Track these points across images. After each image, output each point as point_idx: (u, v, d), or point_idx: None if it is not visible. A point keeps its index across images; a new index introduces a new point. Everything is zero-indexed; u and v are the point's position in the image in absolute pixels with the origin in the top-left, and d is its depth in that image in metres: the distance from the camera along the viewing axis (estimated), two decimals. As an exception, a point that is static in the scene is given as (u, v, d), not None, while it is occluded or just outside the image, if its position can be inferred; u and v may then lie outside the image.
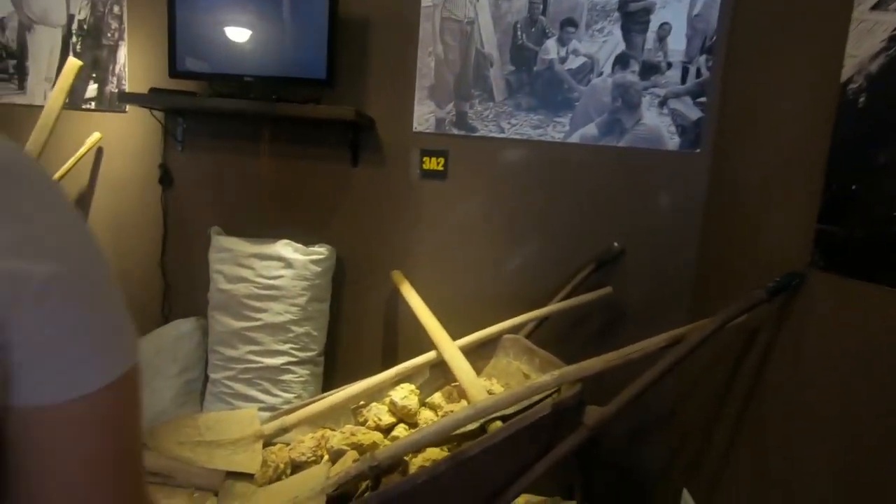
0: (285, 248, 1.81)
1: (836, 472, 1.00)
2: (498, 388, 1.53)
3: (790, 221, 1.26)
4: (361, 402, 1.53)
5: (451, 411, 1.38)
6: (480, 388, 1.37)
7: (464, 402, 1.43)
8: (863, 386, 0.96)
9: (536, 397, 1.32)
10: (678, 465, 1.78)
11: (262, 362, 1.79)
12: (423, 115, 1.89)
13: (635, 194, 1.84)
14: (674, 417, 1.87)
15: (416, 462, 1.22)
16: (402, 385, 1.52)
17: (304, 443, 1.36)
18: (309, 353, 1.85)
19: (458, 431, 1.29)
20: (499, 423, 1.29)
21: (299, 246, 1.83)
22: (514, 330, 1.67)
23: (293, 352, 1.81)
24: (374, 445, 1.30)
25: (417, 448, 1.13)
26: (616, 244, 1.85)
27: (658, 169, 1.82)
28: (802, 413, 1.13)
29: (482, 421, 1.31)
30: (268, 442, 1.40)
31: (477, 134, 1.88)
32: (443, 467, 1.06)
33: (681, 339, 1.26)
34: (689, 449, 1.72)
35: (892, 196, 0.96)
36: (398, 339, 2.02)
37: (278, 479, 1.27)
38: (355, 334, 2.04)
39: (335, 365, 2.03)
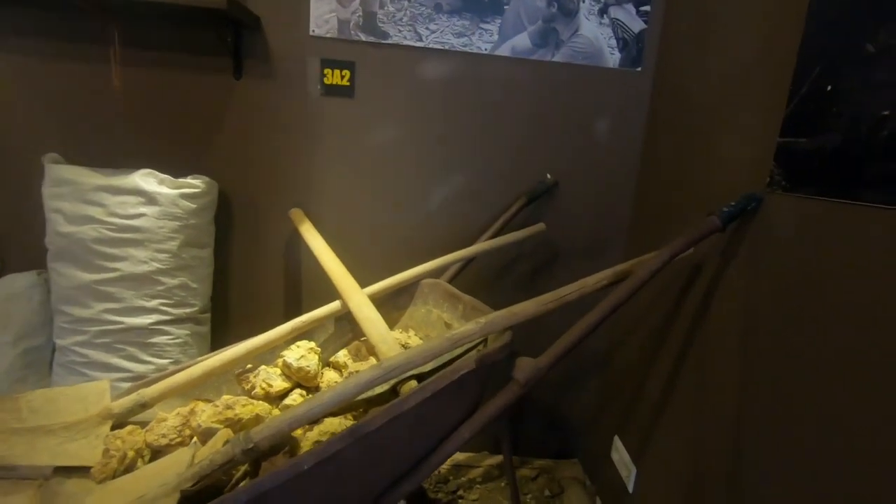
0: (146, 180, 1.43)
1: (789, 419, 0.87)
2: (415, 342, 1.30)
3: (746, 138, 1.10)
4: (248, 366, 1.24)
5: (356, 371, 1.13)
6: (392, 342, 1.13)
7: (372, 361, 1.18)
8: (829, 323, 0.82)
9: (458, 350, 1.10)
10: (610, 413, 1.68)
11: (123, 322, 1.43)
12: (322, 15, 1.53)
13: (570, 118, 1.62)
14: (606, 363, 1.76)
15: (311, 437, 0.97)
16: (298, 343, 1.25)
17: (166, 421, 1.06)
18: (187, 310, 1.52)
19: (362, 396, 1.05)
20: (413, 384, 1.06)
21: (165, 177, 1.45)
22: (435, 274, 1.43)
23: (166, 308, 1.47)
24: (257, 420, 1.03)
25: (308, 421, 0.88)
26: (549, 175, 1.64)
27: (596, 89, 1.60)
28: (752, 356, 0.99)
29: (393, 382, 1.08)
30: (119, 424, 1.09)
31: (389, 41, 1.55)
32: (338, 445, 0.81)
33: (624, 276, 1.08)
34: (621, 395, 1.61)
35: (880, 89, 0.78)
36: (302, 290, 1.73)
37: (127, 471, 0.98)
38: (250, 286, 1.71)
39: (227, 323, 1.71)
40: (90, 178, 1.42)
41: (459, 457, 1.80)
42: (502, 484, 1.73)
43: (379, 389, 1.06)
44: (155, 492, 0.82)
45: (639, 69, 1.59)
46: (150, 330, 1.45)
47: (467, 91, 1.59)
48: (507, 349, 0.97)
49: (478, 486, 1.71)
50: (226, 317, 1.71)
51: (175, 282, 1.47)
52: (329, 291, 1.67)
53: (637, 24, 1.55)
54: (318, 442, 0.96)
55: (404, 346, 1.19)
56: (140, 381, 1.20)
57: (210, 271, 1.59)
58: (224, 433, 0.96)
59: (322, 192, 1.65)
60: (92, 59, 1.53)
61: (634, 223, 1.67)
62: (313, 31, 1.54)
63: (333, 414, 1.04)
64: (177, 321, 1.49)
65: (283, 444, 0.92)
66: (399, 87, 1.59)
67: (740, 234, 1.07)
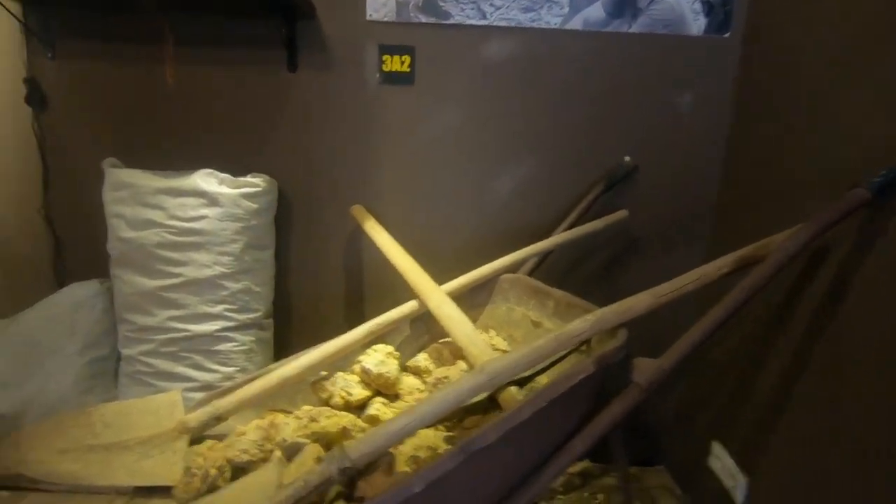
0: (207, 180, 1.37)
1: None
2: (500, 343, 1.19)
3: (880, 102, 0.94)
4: (323, 373, 1.16)
5: (445, 377, 1.03)
6: (482, 344, 1.02)
7: (461, 365, 1.08)
8: None
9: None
10: (704, 415, 1.53)
11: (188, 330, 1.37)
12: (380, -2, 1.44)
13: (649, 94, 1.48)
14: (697, 357, 1.60)
15: (405, 451, 0.88)
16: (375, 347, 1.16)
17: (245, 435, 0.98)
18: (251, 315, 1.45)
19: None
20: (513, 390, 0.95)
21: (225, 176, 1.39)
22: (512, 269, 1.32)
23: (230, 314, 1.40)
24: (344, 434, 0.94)
25: (407, 436, 0.78)
26: (627, 158, 1.50)
27: (678, 60, 1.46)
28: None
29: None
30: (196, 438, 1.02)
31: (451, 21, 1.45)
32: (449, 465, 0.71)
33: (750, 261, 0.94)
34: (719, 395, 1.45)
35: None
36: (364, 291, 1.64)
37: (210, 491, 0.90)
38: (311, 288, 1.64)
39: (288, 328, 1.64)
40: (150, 180, 1.37)
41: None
42: (585, 494, 1.60)
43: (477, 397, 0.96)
44: (247, 517, 0.74)
45: (727, 35, 1.43)
46: (215, 337, 1.39)
47: (536, 71, 1.47)
48: (624, 349, 0.85)
49: (560, 496, 1.58)
50: (287, 321, 1.64)
51: (238, 286, 1.41)
52: (394, 291, 1.58)
53: (724, -15, 1.40)
54: (414, 457, 0.87)
55: (494, 349, 1.08)
56: (211, 392, 1.13)
57: (272, 274, 1.52)
58: (312, 449, 0.87)
59: (383, 185, 1.56)
60: (146, 61, 1.49)
61: (722, 208, 1.51)
62: (370, 15, 1.45)
63: (427, 426, 0.93)
64: (241, 327, 1.43)
65: (380, 459, 0.82)
66: (462, 70, 1.48)
67: (882, 213, 0.92)
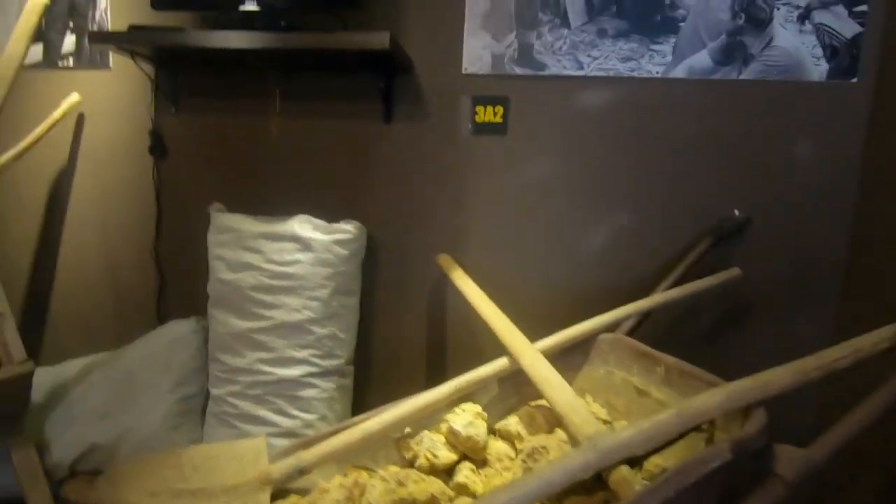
0: (302, 226, 1.40)
1: None
2: (599, 410, 1.08)
3: None
4: (407, 430, 1.10)
5: (543, 447, 0.94)
6: (585, 412, 0.92)
7: (560, 434, 0.98)
8: None
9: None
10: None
11: (274, 374, 1.38)
12: (476, 52, 1.46)
13: (764, 143, 1.37)
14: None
15: (500, 531, 0.78)
16: (462, 406, 1.09)
17: (328, 493, 0.93)
18: (334, 362, 1.44)
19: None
20: (624, 471, 0.84)
21: (320, 223, 1.42)
22: (610, 328, 1.22)
23: (314, 360, 1.40)
24: (433, 501, 0.87)
25: (508, 516, 0.70)
26: (737, 212, 1.38)
27: (796, 106, 1.34)
28: None
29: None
30: (278, 488, 0.99)
31: (547, 73, 1.43)
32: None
33: (917, 335, 0.79)
34: (863, 493, 1.23)
35: None
36: (448, 343, 1.59)
37: (291, 551, 0.85)
38: (393, 337, 1.61)
39: (368, 377, 1.61)
40: (251, 225, 1.43)
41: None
42: None
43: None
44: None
45: (854, 79, 1.31)
46: (299, 383, 1.38)
47: (636, 120, 1.41)
48: (766, 434, 0.73)
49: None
50: (367, 369, 1.61)
51: (324, 331, 1.40)
52: (478, 345, 1.52)
53: (850, 28, 1.29)
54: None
55: (596, 417, 0.97)
56: (295, 442, 1.10)
57: (356, 320, 1.52)
58: (400, 519, 0.80)
59: (472, 236, 1.53)
60: (254, 115, 1.59)
61: (853, 267, 1.34)
62: (466, 69, 1.47)
63: None
64: (324, 374, 1.41)
65: (475, 541, 0.74)
66: (556, 120, 1.45)
67: None
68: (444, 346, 1.59)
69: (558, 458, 0.73)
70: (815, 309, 1.39)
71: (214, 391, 1.46)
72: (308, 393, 1.39)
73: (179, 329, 1.61)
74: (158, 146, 1.66)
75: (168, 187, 1.68)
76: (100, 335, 1.78)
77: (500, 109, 1.47)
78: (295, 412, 1.38)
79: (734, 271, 1.29)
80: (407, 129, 1.53)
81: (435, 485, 0.90)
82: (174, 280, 1.72)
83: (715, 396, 0.76)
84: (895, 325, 0.81)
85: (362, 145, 1.56)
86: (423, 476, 0.93)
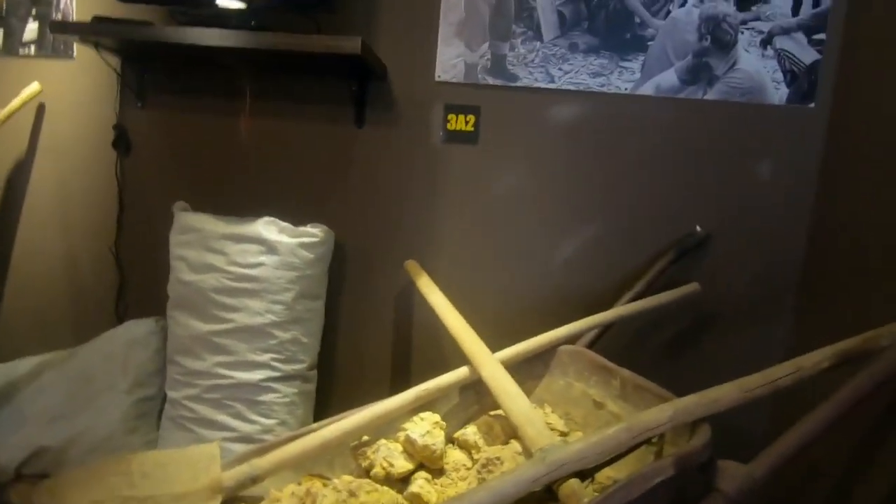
0: (267, 228, 1.38)
1: None
2: (556, 421, 1.09)
3: None
4: (365, 438, 1.09)
5: (497, 458, 0.94)
6: (540, 424, 0.93)
7: (515, 446, 0.99)
8: None
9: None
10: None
11: (233, 377, 1.35)
12: (450, 60, 1.46)
13: (726, 162, 1.41)
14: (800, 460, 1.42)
15: (450, 543, 0.78)
16: (421, 415, 1.09)
17: (280, 502, 0.92)
18: (296, 367, 1.42)
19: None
20: (573, 484, 0.85)
21: (286, 225, 1.40)
22: (571, 340, 1.23)
23: (276, 364, 1.38)
24: (385, 512, 0.86)
25: (455, 529, 0.70)
26: (699, 228, 1.42)
27: (756, 128, 1.39)
28: None
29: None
30: (230, 497, 0.97)
31: (518, 84, 1.45)
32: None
33: (854, 355, 0.83)
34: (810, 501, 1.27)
35: None
36: (413, 350, 1.59)
37: (238, 562, 0.84)
38: (358, 343, 1.60)
39: (331, 382, 1.59)
40: (215, 225, 1.40)
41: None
42: None
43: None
44: None
45: (812, 104, 1.35)
46: (259, 387, 1.36)
47: (603, 134, 1.44)
48: (709, 449, 0.74)
49: None
50: (330, 374, 1.59)
51: (287, 335, 1.38)
52: (442, 354, 1.52)
53: (809, 55, 1.34)
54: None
55: (551, 428, 0.98)
56: (250, 448, 1.08)
57: (321, 325, 1.50)
58: (350, 530, 0.80)
59: (440, 243, 1.53)
60: (224, 114, 1.57)
61: (807, 286, 1.38)
62: (439, 76, 1.47)
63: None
64: (285, 378, 1.40)
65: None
66: (527, 131, 1.47)
67: None
68: (409, 353, 1.58)
69: (510, 470, 0.74)
70: (770, 324, 1.43)
71: (172, 394, 1.42)
72: (268, 397, 1.37)
73: (138, 329, 1.56)
74: (122, 141, 1.62)
75: (131, 184, 1.63)
76: (56, 333, 1.72)
77: (471, 118, 1.48)
78: (254, 417, 1.36)
79: (693, 286, 1.32)
80: (378, 135, 1.53)
81: (387, 496, 0.89)
82: (134, 279, 1.67)
83: (664, 412, 0.78)
84: (834, 345, 0.84)
85: (333, 149, 1.55)
86: (377, 486, 0.92)
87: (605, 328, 1.30)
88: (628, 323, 1.41)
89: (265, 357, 1.37)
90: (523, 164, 1.48)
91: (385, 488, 0.92)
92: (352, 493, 0.87)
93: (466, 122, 1.48)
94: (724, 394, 0.80)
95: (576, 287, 1.46)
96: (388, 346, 1.59)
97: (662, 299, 1.29)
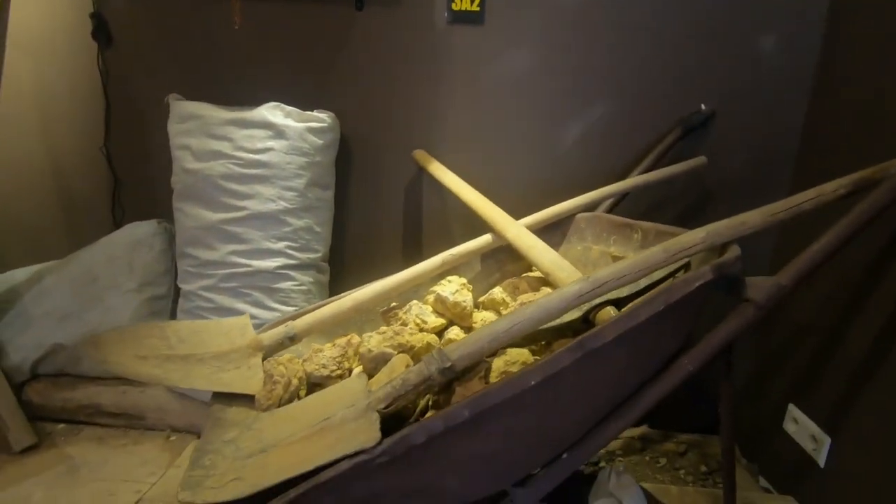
0: (273, 113, 1.34)
1: None
2: (578, 279, 1.14)
3: None
4: (392, 304, 1.12)
5: (531, 301, 0.98)
6: (569, 268, 0.97)
7: (547, 290, 1.03)
8: None
9: (658, 274, 0.93)
10: (778, 379, 1.45)
11: (250, 265, 1.35)
12: (453, -68, 1.39)
13: (730, 39, 1.41)
14: (768, 321, 1.52)
15: (497, 367, 0.83)
16: (448, 278, 1.11)
17: (323, 352, 0.95)
18: (311, 256, 1.42)
19: (551, 324, 0.89)
20: (610, 311, 0.90)
21: (292, 109, 1.36)
22: (588, 209, 1.26)
23: (291, 252, 1.38)
24: (430, 349, 0.90)
25: (509, 338, 0.74)
26: (703, 106, 1.43)
27: (760, 2, 1.38)
28: None
29: (587, 308, 0.92)
30: (269, 356, 0.99)
31: (525, -43, 1.39)
32: (566, 359, 0.66)
33: (871, 182, 0.88)
34: (797, 358, 1.37)
35: None
36: (423, 240, 1.60)
37: (291, 400, 0.87)
38: (367, 236, 1.60)
39: (342, 275, 1.61)
40: (217, 112, 1.35)
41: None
42: (647, 458, 1.53)
43: (569, 316, 0.91)
44: (343, 412, 0.70)
45: (817, -25, 1.35)
46: (275, 274, 1.36)
47: (611, 13, 1.41)
48: (741, 262, 0.79)
49: (619, 458, 1.52)
50: (341, 268, 1.60)
51: (301, 223, 1.38)
52: (454, 242, 1.54)
53: (818, -80, 1.32)
54: (505, 372, 0.82)
55: (579, 277, 1.03)
56: (284, 315, 1.10)
57: (331, 216, 1.49)
58: (401, 359, 0.83)
59: (446, 130, 1.51)
60: (212, -3, 1.47)
61: (804, 156, 1.43)
62: (442, -49, 1.41)
63: (517, 344, 0.89)
64: (301, 267, 1.40)
65: (476, 367, 0.78)
66: (534, 10, 1.43)
67: None
68: (419, 245, 1.60)
69: (554, 291, 0.77)
70: (769, 196, 1.47)
71: (185, 287, 1.41)
72: (286, 285, 1.38)
73: (140, 231, 1.53)
74: (102, 31, 1.51)
75: (116, 77, 1.54)
76: (48, 245, 1.67)
77: (477, -3, 1.43)
78: (273, 304, 1.37)
79: (701, 159, 1.36)
80: (379, 17, 1.46)
81: (431, 337, 0.93)
82: (130, 181, 1.62)
83: (698, 234, 0.82)
84: (854, 174, 0.89)
85: (331, 34, 1.48)
86: (417, 332, 0.95)
87: (619, 199, 1.33)
88: (638, 201, 1.45)
89: (280, 245, 1.36)
90: (531, 44, 1.45)
91: (426, 334, 0.96)
92: (396, 333, 0.90)
93: (472, 2, 1.43)
94: (751, 217, 0.84)
95: (586, 168, 1.48)
96: (399, 239, 1.60)
97: (672, 171, 1.32)
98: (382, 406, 0.70)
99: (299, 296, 1.40)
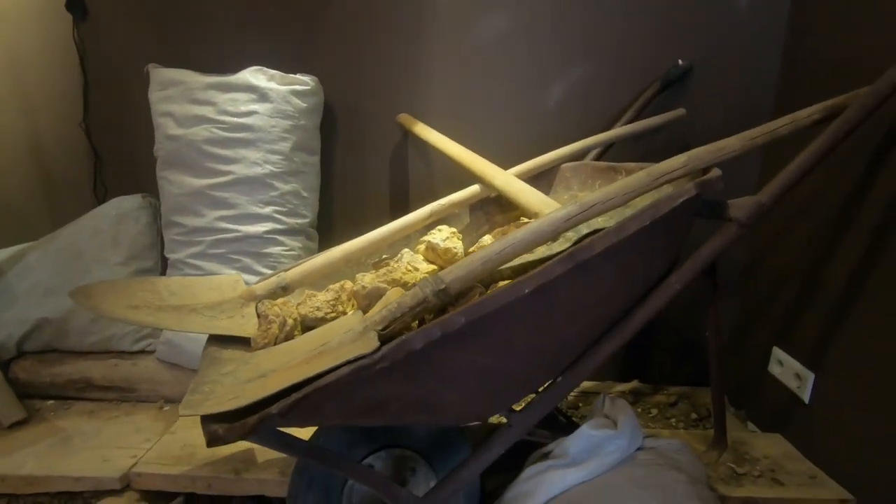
0: (255, 76, 1.34)
1: None
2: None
3: None
4: (384, 256, 1.13)
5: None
6: (556, 205, 0.98)
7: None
8: None
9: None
10: (762, 327, 1.49)
11: (238, 230, 1.34)
12: None
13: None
14: (748, 274, 1.56)
15: (490, 297, 0.84)
16: (439, 228, 1.12)
17: (316, 296, 0.95)
18: (299, 221, 1.42)
19: (536, 256, 0.91)
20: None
21: (275, 73, 1.36)
22: (573, 159, 1.29)
23: (279, 216, 1.37)
24: (423, 284, 0.91)
25: (501, 260, 0.75)
26: (681, 61, 1.46)
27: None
28: None
29: (574, 239, 0.94)
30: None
31: (502, -83, 1.41)
32: (558, 269, 0.68)
33: (838, 109, 0.91)
34: (778, 304, 1.41)
35: None
36: (410, 206, 1.60)
37: (287, 340, 0.87)
38: (354, 203, 1.61)
39: (330, 242, 1.59)
40: (198, 77, 1.34)
41: (587, 384, 1.65)
42: (639, 409, 1.56)
43: (558, 247, 0.93)
44: (342, 337, 0.71)
45: (786, -72, 1.39)
46: (264, 239, 1.36)
47: (589, -32, 1.43)
48: (721, 182, 0.82)
49: (612, 411, 1.55)
50: (329, 235, 1.60)
51: (288, 187, 1.37)
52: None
53: None
54: (499, 301, 0.83)
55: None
56: (275, 271, 1.10)
57: (318, 182, 1.49)
58: (396, 291, 0.84)
59: (430, 93, 1.52)
60: (188, -35, 1.46)
61: (780, 105, 1.47)
62: (419, -88, 1.41)
63: (505, 278, 0.90)
64: (290, 232, 1.40)
65: (471, 290, 0.79)
66: (513, -31, 1.44)
67: None
68: (406, 210, 1.60)
69: (545, 216, 0.79)
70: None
71: (172, 256, 1.40)
72: (275, 250, 1.37)
73: (125, 205, 1.52)
74: (77, 4, 1.49)
75: (93, 51, 1.52)
76: (30, 226, 1.64)
77: (456, -42, 1.44)
78: (262, 269, 1.36)
79: (680, 111, 1.39)
80: (359, -20, 1.47)
81: (423, 274, 0.94)
82: (111, 156, 1.60)
83: (679, 159, 0.84)
84: (826, 102, 0.92)
85: (312, -1, 1.48)
86: (410, 270, 0.96)
87: (602, 151, 1.35)
88: (622, 153, 1.47)
89: (267, 209, 1.36)
90: (512, 4, 1.46)
91: (418, 272, 0.97)
92: (390, 271, 0.90)
93: (451, -37, 1.44)
94: (731, 142, 0.87)
95: (570, 126, 1.50)
96: (386, 205, 1.61)
97: (653, 122, 1.35)
98: (380, 328, 0.71)
99: (288, 261, 1.39)
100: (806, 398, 1.28)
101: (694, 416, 1.52)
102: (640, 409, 1.56)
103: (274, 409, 0.57)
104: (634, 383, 1.67)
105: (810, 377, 1.27)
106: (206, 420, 0.59)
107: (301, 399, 0.57)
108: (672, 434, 1.36)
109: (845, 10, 1.21)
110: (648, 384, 1.68)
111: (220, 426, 0.58)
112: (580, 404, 1.57)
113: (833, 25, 1.27)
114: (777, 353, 1.40)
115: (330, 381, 0.58)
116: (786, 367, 1.36)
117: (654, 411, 1.55)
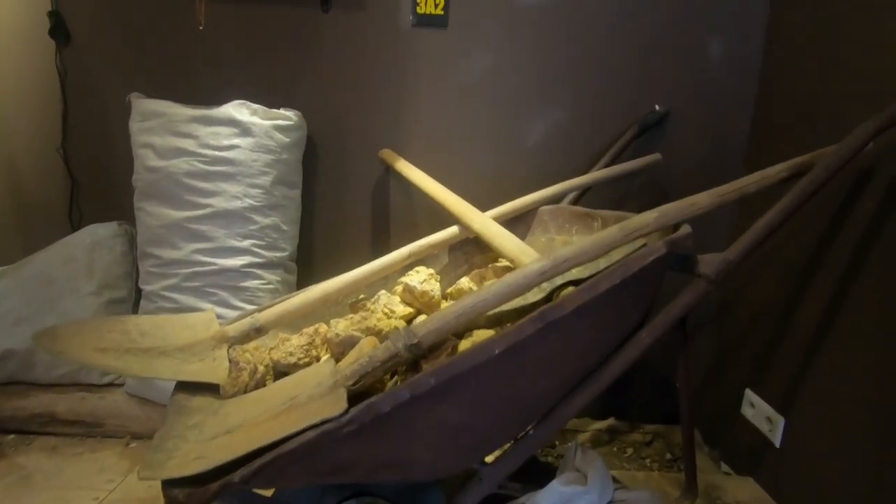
0: (238, 110, 1.34)
1: None
2: (542, 268, 1.17)
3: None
4: (361, 296, 1.12)
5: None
6: (533, 252, 1.00)
7: (512, 275, 1.05)
8: None
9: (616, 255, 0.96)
10: (735, 368, 1.51)
11: (214, 264, 1.33)
12: (416, -61, 1.44)
13: (682, 41, 1.49)
14: (722, 315, 1.59)
15: (464, 347, 0.84)
16: (416, 269, 1.13)
17: (290, 340, 0.94)
18: (278, 254, 1.41)
19: (513, 305, 0.92)
20: (570, 290, 0.93)
21: (258, 107, 1.36)
22: (551, 202, 1.31)
23: (258, 250, 1.36)
24: (398, 332, 0.90)
25: (475, 314, 0.75)
26: (657, 107, 1.51)
27: (705, 10, 1.47)
28: None
29: (549, 290, 0.95)
30: (235, 347, 0.97)
31: (487, -36, 1.45)
32: (528, 329, 0.68)
33: (807, 168, 0.94)
34: (751, 346, 1.44)
35: None
36: (391, 241, 1.61)
37: (257, 387, 0.86)
38: (335, 236, 1.60)
39: (310, 275, 1.59)
40: (181, 109, 1.34)
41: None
42: (614, 448, 1.57)
43: (532, 297, 0.94)
44: (312, 391, 0.70)
45: (757, -16, 1.45)
46: (241, 272, 1.35)
47: (567, 20, 1.48)
48: (691, 238, 0.84)
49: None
50: (310, 268, 1.59)
51: (267, 221, 1.37)
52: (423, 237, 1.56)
53: (755, -65, 1.43)
54: (472, 352, 0.83)
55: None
56: (250, 309, 1.09)
57: (299, 215, 1.49)
58: (369, 341, 0.84)
59: (413, 131, 1.54)
60: (175, -3, 1.47)
61: (753, 151, 1.52)
62: (406, -44, 1.45)
63: (483, 327, 0.91)
64: (268, 265, 1.39)
65: (444, 343, 0.79)
66: (496, 14, 1.48)
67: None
68: (387, 244, 1.60)
69: (517, 270, 0.80)
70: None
71: (147, 288, 1.38)
72: (252, 283, 1.36)
73: (100, 232, 1.50)
74: (60, 29, 1.48)
75: (75, 77, 1.52)
76: (2, 251, 1.61)
77: (441, 2, 1.47)
78: (238, 303, 1.35)
79: (655, 156, 1.42)
80: (346, 19, 1.49)
81: (398, 323, 0.94)
82: (88, 182, 1.58)
83: (651, 215, 0.86)
84: (793, 160, 0.95)
85: (298, 36, 1.49)
86: (385, 317, 0.96)
87: (580, 195, 1.38)
88: (599, 195, 1.50)
89: (246, 243, 1.35)
90: (493, 48, 1.50)
91: (393, 320, 0.97)
92: (364, 318, 0.90)
93: (436, 5, 1.48)
94: (700, 199, 0.89)
95: (547, 169, 1.52)
96: (367, 239, 1.61)
97: (630, 166, 1.38)
98: (350, 383, 0.70)
99: (266, 295, 1.38)
100: (777, 442, 1.30)
101: (668, 456, 1.52)
102: (615, 449, 1.56)
103: (236, 476, 0.56)
104: (611, 421, 1.67)
105: (781, 421, 1.29)
106: (168, 484, 0.58)
107: (265, 465, 0.57)
108: (646, 476, 1.36)
109: (813, 67, 1.27)
110: (625, 421, 1.68)
111: (182, 491, 0.57)
112: (556, 443, 1.57)
113: (801, 81, 1.32)
114: (749, 395, 1.42)
115: (295, 447, 0.58)
116: (757, 410, 1.38)
117: (630, 451, 1.55)
